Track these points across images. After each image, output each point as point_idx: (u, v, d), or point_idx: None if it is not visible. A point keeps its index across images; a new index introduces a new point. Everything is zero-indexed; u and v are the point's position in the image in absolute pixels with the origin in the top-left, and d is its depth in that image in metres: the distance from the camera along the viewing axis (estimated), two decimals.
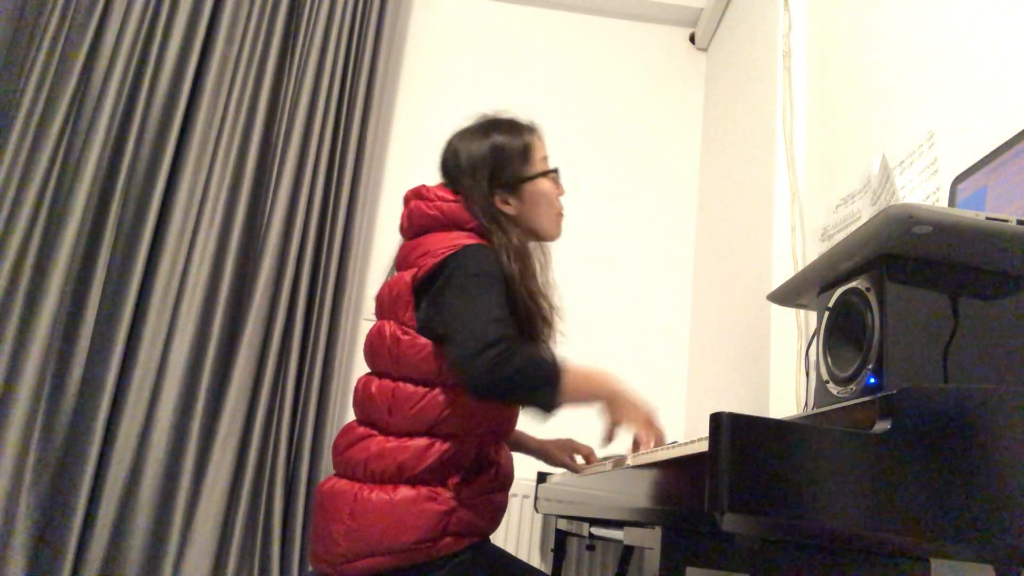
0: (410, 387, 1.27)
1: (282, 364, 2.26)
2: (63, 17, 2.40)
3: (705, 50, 2.81)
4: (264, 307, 2.26)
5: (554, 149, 2.64)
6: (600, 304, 2.56)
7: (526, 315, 1.30)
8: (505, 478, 1.36)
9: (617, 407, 1.26)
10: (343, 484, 1.28)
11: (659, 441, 1.26)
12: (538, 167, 1.41)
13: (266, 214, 2.36)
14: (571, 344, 2.47)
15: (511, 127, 1.42)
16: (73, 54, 2.36)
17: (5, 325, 2.16)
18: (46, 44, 2.36)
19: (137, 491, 2.08)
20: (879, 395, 0.71)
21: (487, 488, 1.30)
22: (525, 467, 2.10)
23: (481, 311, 1.18)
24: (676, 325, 2.56)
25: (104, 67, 2.36)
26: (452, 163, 1.41)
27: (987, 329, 0.87)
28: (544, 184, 1.40)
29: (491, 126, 1.42)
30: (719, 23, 2.65)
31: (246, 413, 2.20)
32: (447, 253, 1.26)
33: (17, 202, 2.24)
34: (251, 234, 2.36)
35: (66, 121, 2.34)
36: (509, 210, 1.37)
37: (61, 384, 2.15)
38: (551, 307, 1.35)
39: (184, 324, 2.22)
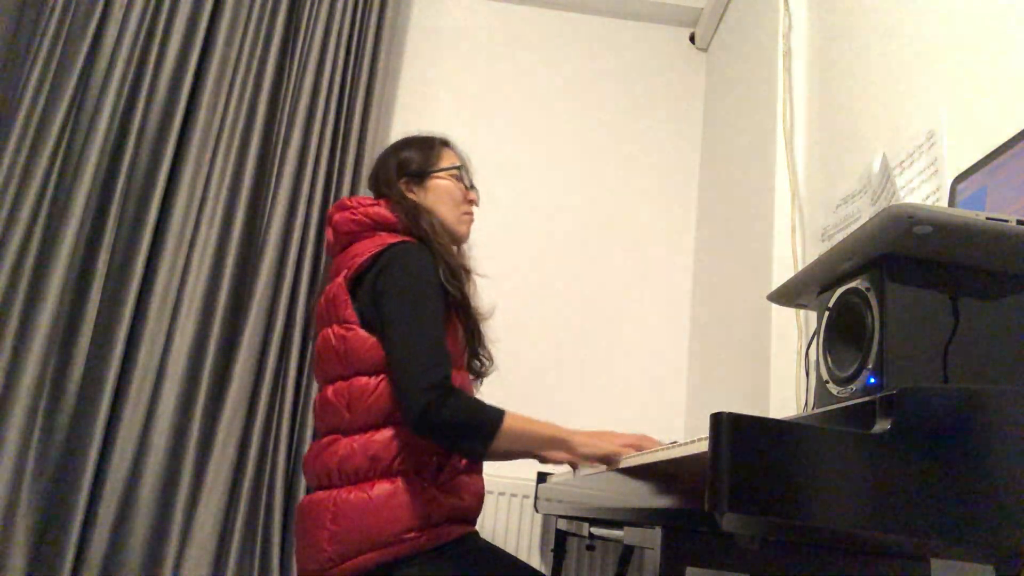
0: (363, 379, 1.30)
1: (282, 364, 2.26)
2: (63, 17, 2.40)
3: (705, 50, 2.81)
4: (264, 307, 2.26)
5: (554, 149, 2.66)
6: (600, 304, 2.55)
7: (451, 269, 1.36)
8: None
9: (576, 448, 1.23)
10: (320, 494, 1.29)
11: (650, 444, 1.26)
12: (444, 167, 1.53)
13: (266, 214, 2.36)
14: (571, 345, 2.48)
15: (424, 137, 1.56)
16: (73, 54, 2.36)
17: (5, 325, 2.15)
18: (46, 44, 2.36)
19: (137, 491, 2.07)
20: (879, 395, 0.70)
21: (460, 468, 1.32)
22: (525, 467, 2.10)
23: (423, 340, 1.24)
24: (676, 325, 2.56)
25: (104, 67, 2.36)
26: (374, 173, 1.54)
27: (987, 329, 0.87)
28: (448, 182, 1.50)
29: (407, 138, 1.57)
30: (719, 23, 2.65)
31: (246, 414, 2.20)
32: (376, 250, 1.32)
33: (17, 202, 2.23)
34: (251, 234, 2.35)
35: (66, 121, 2.33)
36: (412, 198, 1.46)
37: (61, 384, 2.15)
38: (467, 269, 1.44)
39: (184, 324, 2.22)
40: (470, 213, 1.53)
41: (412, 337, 1.24)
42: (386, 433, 1.27)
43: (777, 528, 0.66)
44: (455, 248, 1.47)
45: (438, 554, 1.24)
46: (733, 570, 0.81)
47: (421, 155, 1.51)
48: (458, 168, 1.52)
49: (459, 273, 1.38)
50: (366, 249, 1.34)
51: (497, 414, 1.21)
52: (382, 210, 1.41)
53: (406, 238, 1.36)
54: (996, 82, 1.17)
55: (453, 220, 1.49)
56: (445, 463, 1.30)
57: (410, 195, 1.46)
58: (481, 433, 1.20)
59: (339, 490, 1.25)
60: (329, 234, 1.47)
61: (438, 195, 1.48)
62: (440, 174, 1.50)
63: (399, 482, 1.24)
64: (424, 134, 1.58)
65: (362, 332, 1.30)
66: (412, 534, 1.21)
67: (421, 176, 1.49)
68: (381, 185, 1.49)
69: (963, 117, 1.22)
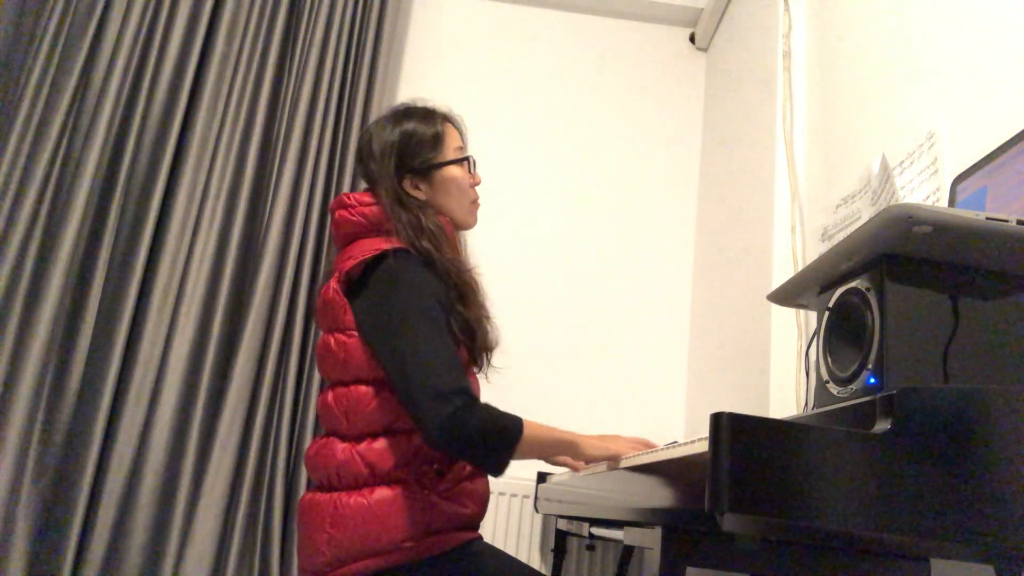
0: (362, 388, 1.27)
1: (282, 364, 2.26)
2: (63, 17, 2.40)
3: (705, 50, 2.81)
4: (264, 307, 2.26)
5: (553, 149, 2.66)
6: (600, 305, 2.55)
7: (458, 286, 1.30)
8: None
9: (584, 449, 1.25)
10: (321, 496, 1.27)
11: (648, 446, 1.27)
12: (450, 155, 1.41)
13: (266, 214, 2.36)
14: (571, 345, 2.48)
15: (425, 115, 1.42)
16: (73, 54, 2.36)
17: (5, 325, 2.15)
18: (46, 44, 2.36)
19: (137, 491, 2.07)
20: (879, 395, 0.71)
21: (462, 476, 1.29)
22: (525, 467, 2.10)
23: (431, 354, 1.18)
24: (676, 325, 2.56)
25: (104, 67, 2.36)
26: (365, 150, 1.41)
27: (987, 329, 0.87)
28: (455, 171, 1.41)
29: (404, 114, 1.43)
30: (719, 23, 2.65)
31: (246, 413, 2.20)
32: (364, 256, 1.27)
33: (17, 202, 2.23)
34: (251, 234, 2.35)
35: (66, 121, 2.33)
36: (420, 195, 1.38)
37: (61, 384, 2.14)
38: (474, 279, 1.35)
39: (184, 324, 2.22)
40: (477, 201, 1.45)
41: (427, 347, 1.18)
42: (382, 443, 1.24)
43: (777, 528, 0.66)
44: (460, 261, 1.36)
45: (437, 561, 1.23)
46: (733, 570, 0.81)
47: (426, 146, 1.39)
48: (466, 159, 1.43)
49: (467, 293, 1.31)
50: (360, 252, 1.29)
51: (518, 422, 1.17)
52: (381, 211, 1.34)
53: (400, 243, 1.30)
54: (996, 82, 1.17)
55: (463, 213, 1.42)
56: (446, 471, 1.27)
57: (416, 192, 1.37)
58: (506, 443, 1.16)
59: (340, 493, 1.24)
60: (331, 227, 1.42)
61: (447, 189, 1.39)
62: (448, 165, 1.40)
63: (399, 489, 1.22)
64: (421, 105, 1.44)
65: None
66: (410, 543, 1.20)
67: (428, 172, 1.39)
68: (378, 186, 1.37)
69: (963, 117, 1.22)
